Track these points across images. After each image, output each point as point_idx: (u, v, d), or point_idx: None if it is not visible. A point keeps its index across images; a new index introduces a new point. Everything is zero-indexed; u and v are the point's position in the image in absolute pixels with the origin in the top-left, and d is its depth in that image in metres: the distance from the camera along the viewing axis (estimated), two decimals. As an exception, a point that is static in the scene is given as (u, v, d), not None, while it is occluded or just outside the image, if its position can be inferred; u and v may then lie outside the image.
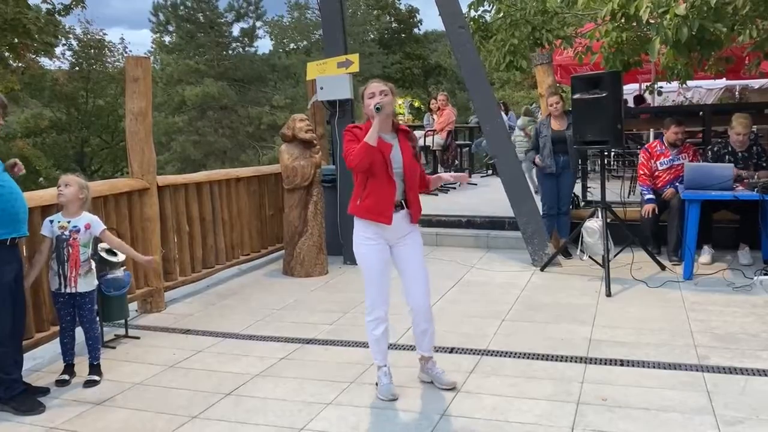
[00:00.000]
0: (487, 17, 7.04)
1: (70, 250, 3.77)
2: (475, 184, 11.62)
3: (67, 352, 3.88)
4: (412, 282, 3.49)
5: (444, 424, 3.17)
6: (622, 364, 3.81)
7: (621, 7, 5.37)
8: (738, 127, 5.96)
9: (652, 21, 5.31)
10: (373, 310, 3.46)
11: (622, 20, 5.71)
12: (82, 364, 3.93)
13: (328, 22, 6.90)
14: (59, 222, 3.79)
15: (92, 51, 27.57)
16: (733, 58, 7.51)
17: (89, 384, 3.77)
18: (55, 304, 3.85)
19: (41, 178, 23.93)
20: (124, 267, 4.51)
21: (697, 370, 3.67)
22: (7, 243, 3.45)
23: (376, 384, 3.54)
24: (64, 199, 3.82)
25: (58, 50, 21.74)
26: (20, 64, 16.29)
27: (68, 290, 3.78)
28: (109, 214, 4.77)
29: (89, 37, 27.39)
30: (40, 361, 4.12)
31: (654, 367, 3.75)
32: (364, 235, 3.41)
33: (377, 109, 3.25)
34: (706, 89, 13.12)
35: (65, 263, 3.76)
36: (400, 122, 3.54)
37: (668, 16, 4.92)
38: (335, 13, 6.77)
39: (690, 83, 9.87)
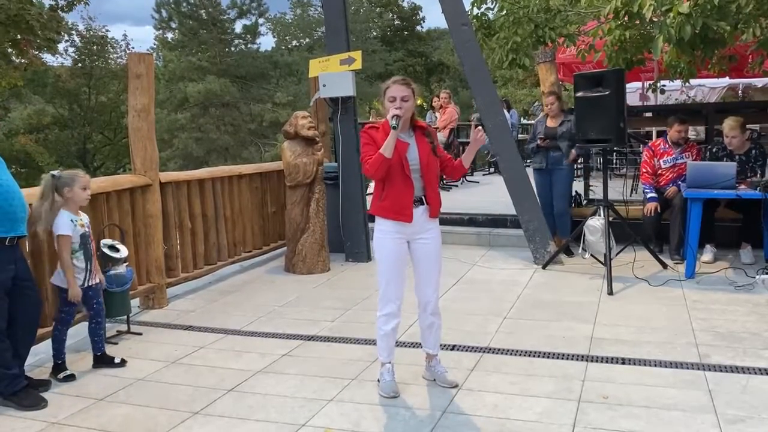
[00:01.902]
0: (490, 15, 7.03)
1: (92, 245, 3.92)
2: (477, 182, 11.62)
3: (63, 350, 3.90)
4: (424, 277, 3.50)
5: (445, 421, 3.18)
6: (623, 363, 3.81)
7: (624, 5, 5.36)
8: (725, 128, 5.97)
9: (656, 19, 5.30)
10: (385, 305, 3.45)
11: (626, 18, 5.69)
12: (83, 360, 3.94)
13: (331, 20, 6.90)
14: (78, 220, 3.84)
15: (95, 47, 27.61)
16: (736, 56, 7.49)
17: (113, 365, 3.90)
18: (73, 302, 3.86)
19: (43, 174, 23.97)
20: (127, 263, 4.52)
21: (698, 369, 3.67)
22: (5, 242, 3.42)
23: (378, 381, 3.54)
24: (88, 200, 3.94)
25: (60, 46, 21.71)
26: (23, 60, 16.30)
27: (90, 283, 3.87)
28: (111, 211, 4.78)
29: (92, 33, 27.44)
30: (43, 357, 4.11)
31: (655, 366, 3.75)
32: (383, 229, 3.43)
33: (393, 127, 3.25)
34: (709, 88, 13.07)
35: (92, 258, 3.89)
36: (418, 119, 3.54)
37: (671, 14, 4.91)
38: (338, 11, 6.76)
39: (693, 82, 9.84)
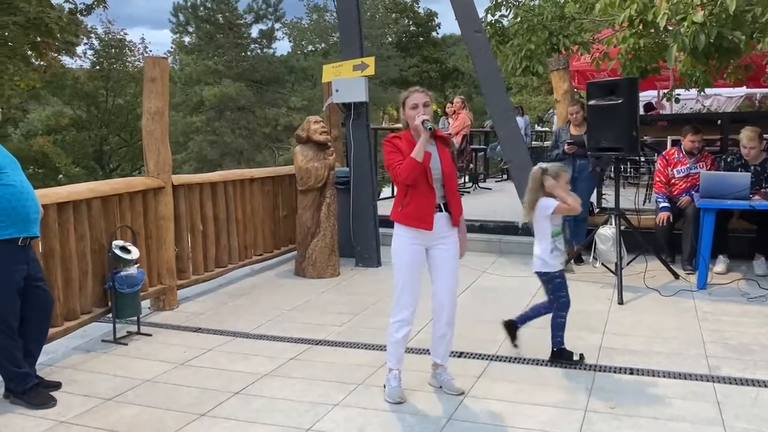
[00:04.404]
0: (505, 22, 7.04)
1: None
2: (489, 189, 11.60)
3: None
4: (442, 285, 3.50)
5: (450, 428, 3.17)
6: (631, 373, 3.78)
7: (639, 14, 5.35)
8: (743, 139, 5.91)
9: (670, 28, 5.28)
10: (399, 311, 3.46)
11: (640, 26, 5.67)
12: (94, 360, 3.95)
13: (345, 25, 6.93)
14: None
15: (113, 50, 27.89)
16: (752, 66, 7.44)
17: (572, 362, 3.93)
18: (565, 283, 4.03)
19: (61, 175, 24.25)
20: (138, 264, 4.56)
21: (708, 381, 3.64)
22: (18, 243, 3.45)
23: (384, 386, 3.55)
24: None
25: (79, 49, 21.95)
26: (42, 63, 16.49)
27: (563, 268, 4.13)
28: (124, 212, 4.83)
29: (110, 36, 27.73)
30: (53, 356, 4.17)
31: (664, 377, 3.72)
32: (402, 234, 3.44)
33: (430, 129, 3.34)
34: (725, 97, 12.97)
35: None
36: (438, 128, 3.58)
37: (686, 23, 4.88)
38: (352, 16, 6.79)
39: (709, 91, 9.76)
